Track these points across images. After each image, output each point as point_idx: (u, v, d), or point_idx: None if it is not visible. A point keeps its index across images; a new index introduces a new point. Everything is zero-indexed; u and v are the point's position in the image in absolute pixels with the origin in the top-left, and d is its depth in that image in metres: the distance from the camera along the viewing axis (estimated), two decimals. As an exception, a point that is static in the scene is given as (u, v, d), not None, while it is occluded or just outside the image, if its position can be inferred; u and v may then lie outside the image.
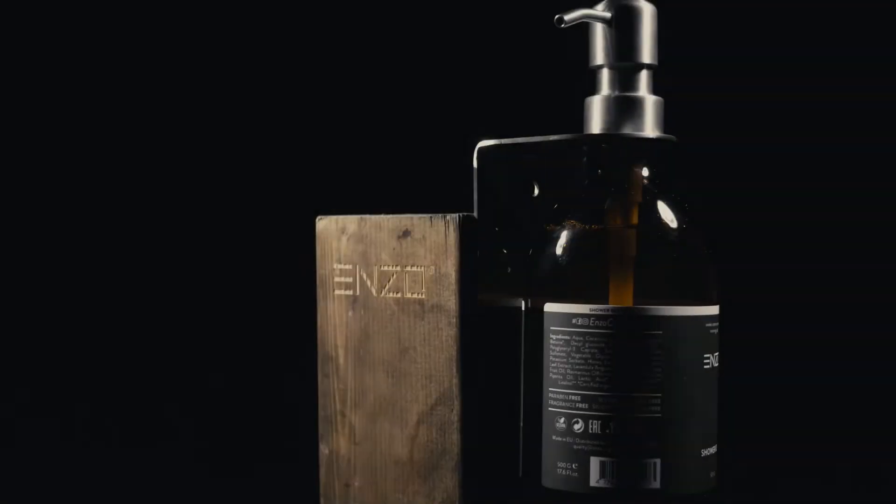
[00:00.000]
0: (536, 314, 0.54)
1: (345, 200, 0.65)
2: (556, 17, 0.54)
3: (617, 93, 0.54)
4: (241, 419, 0.80)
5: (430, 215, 0.58)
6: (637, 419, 0.52)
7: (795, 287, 0.67)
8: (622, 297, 0.52)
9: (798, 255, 0.67)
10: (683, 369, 0.52)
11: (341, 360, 0.62)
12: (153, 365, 0.81)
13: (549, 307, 0.53)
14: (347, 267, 0.61)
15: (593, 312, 0.52)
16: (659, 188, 0.54)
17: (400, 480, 0.59)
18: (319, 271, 0.63)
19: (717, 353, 0.54)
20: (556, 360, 0.53)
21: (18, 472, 0.76)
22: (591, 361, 0.52)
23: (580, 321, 0.52)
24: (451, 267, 0.57)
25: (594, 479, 0.53)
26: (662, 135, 0.55)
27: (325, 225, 0.62)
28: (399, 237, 0.59)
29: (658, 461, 0.52)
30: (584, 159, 0.55)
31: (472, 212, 0.56)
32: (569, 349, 0.53)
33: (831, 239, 0.67)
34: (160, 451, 0.79)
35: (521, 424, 0.55)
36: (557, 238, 0.54)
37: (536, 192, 0.59)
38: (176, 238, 0.81)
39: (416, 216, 0.58)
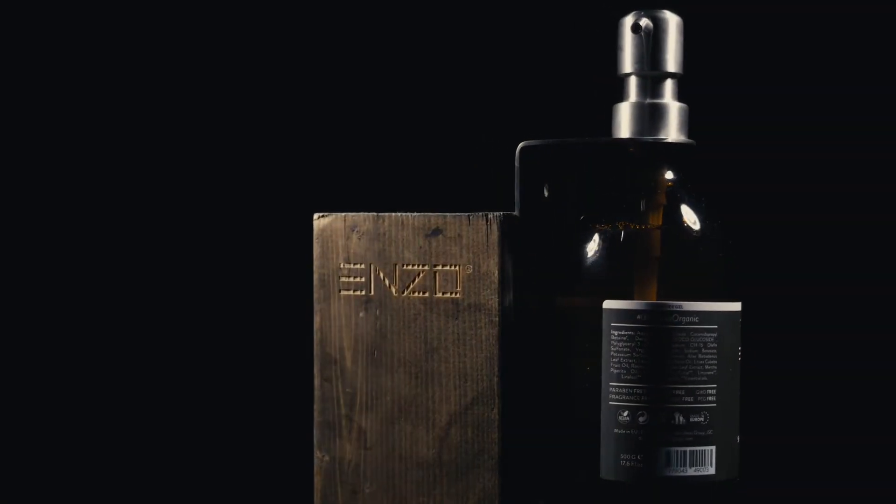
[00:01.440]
0: (592, 312, 0.55)
1: (328, 200, 0.63)
2: (637, 23, 0.55)
3: (650, 100, 0.57)
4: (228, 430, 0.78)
5: (467, 214, 0.57)
6: (698, 409, 0.55)
7: (806, 285, 0.72)
8: (668, 294, 0.55)
9: (813, 255, 0.72)
10: (730, 361, 0.56)
11: (348, 363, 0.59)
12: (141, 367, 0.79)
13: (609, 304, 0.55)
14: (358, 266, 0.59)
15: (657, 309, 0.54)
16: (692, 191, 0.57)
17: (424, 483, 0.58)
18: (320, 271, 0.60)
19: (740, 346, 0.58)
20: (619, 355, 0.55)
21: (17, 472, 0.76)
22: (655, 355, 0.54)
23: (644, 317, 0.54)
24: (492, 266, 0.57)
25: (660, 468, 0.55)
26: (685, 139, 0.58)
27: (329, 223, 0.59)
28: (427, 236, 0.58)
29: (714, 448, 0.55)
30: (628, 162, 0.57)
31: (501, 210, 0.57)
32: (633, 344, 0.55)
33: (847, 241, 0.72)
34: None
35: (567, 420, 0.56)
36: (612, 238, 0.56)
37: (546, 194, 0.60)
38: (166, 238, 0.78)
39: (448, 215, 0.58)
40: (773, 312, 0.66)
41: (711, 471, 0.55)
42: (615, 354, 0.55)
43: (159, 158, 0.78)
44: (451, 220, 0.58)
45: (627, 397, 0.55)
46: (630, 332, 0.55)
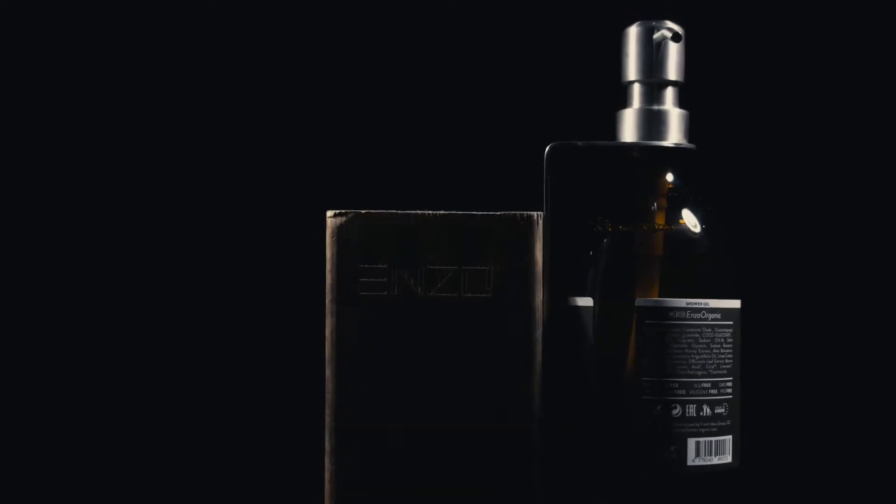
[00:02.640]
0: (625, 310, 0.57)
1: (325, 199, 0.61)
2: (675, 33, 0.58)
3: (652, 106, 0.60)
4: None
5: (501, 213, 0.57)
6: (721, 401, 0.58)
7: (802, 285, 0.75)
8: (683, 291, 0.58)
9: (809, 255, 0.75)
10: (738, 355, 0.59)
11: (372, 367, 0.57)
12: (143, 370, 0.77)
13: (642, 302, 0.56)
14: (380, 266, 0.57)
15: (689, 306, 0.57)
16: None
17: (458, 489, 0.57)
18: (335, 272, 0.57)
19: None
20: (653, 351, 0.56)
21: (17, 472, 0.76)
22: (686, 351, 0.57)
23: (677, 314, 0.57)
24: (528, 264, 0.57)
25: (691, 458, 0.57)
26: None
27: (346, 221, 0.57)
28: (457, 234, 0.57)
29: (731, 437, 0.58)
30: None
31: (527, 211, 0.58)
32: (667, 340, 0.56)
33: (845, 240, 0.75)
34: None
35: (597, 416, 0.57)
36: (618, 238, 0.58)
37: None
38: (173, 240, 0.77)
39: (478, 213, 0.57)
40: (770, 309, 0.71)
41: (729, 459, 0.59)
42: (649, 350, 0.57)
43: (169, 158, 0.77)
44: (481, 219, 0.58)
45: (661, 391, 0.57)
46: (663, 329, 0.57)
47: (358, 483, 0.57)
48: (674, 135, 0.60)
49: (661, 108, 0.60)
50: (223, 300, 0.76)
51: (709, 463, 0.58)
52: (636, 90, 0.61)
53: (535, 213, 0.58)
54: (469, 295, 0.58)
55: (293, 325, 0.72)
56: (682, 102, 0.62)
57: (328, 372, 0.58)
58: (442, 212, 0.58)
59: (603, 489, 0.58)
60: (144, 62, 0.77)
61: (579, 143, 0.59)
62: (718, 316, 0.58)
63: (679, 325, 0.57)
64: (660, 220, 0.60)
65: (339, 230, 0.58)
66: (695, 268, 0.59)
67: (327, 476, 0.58)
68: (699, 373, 0.58)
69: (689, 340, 0.57)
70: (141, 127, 0.77)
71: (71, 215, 0.77)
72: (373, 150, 0.74)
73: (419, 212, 0.58)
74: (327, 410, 0.58)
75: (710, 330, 0.58)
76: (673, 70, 0.61)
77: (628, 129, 0.61)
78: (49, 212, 0.77)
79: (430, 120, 0.75)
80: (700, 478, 0.57)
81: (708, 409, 0.58)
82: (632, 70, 0.61)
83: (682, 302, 0.57)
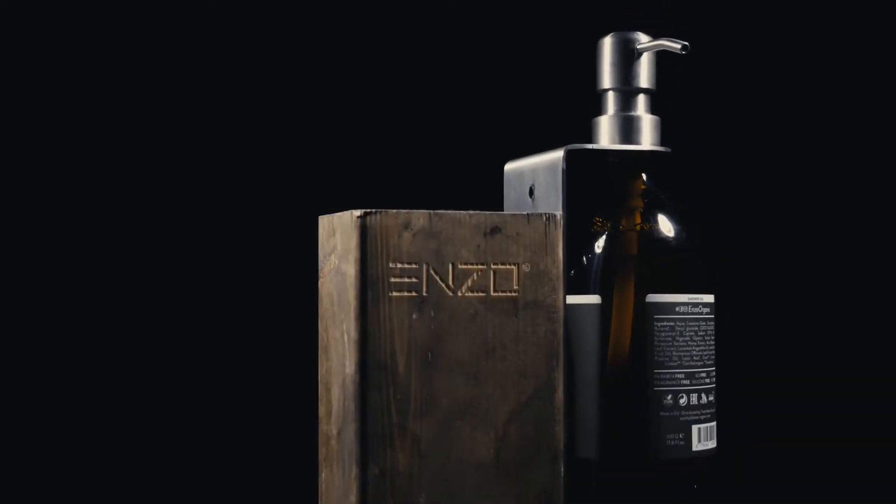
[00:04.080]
0: (637, 305, 0.58)
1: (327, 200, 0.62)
2: (683, 45, 0.60)
3: (629, 112, 0.62)
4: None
5: (525, 213, 0.57)
6: (711, 389, 0.61)
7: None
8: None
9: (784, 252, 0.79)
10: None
11: (401, 368, 0.54)
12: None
13: (652, 298, 0.58)
14: (412, 266, 0.54)
15: (691, 301, 0.59)
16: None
17: (484, 485, 0.56)
18: (370, 271, 0.54)
19: None
20: (662, 344, 0.58)
21: (16, 472, 0.77)
22: (689, 343, 0.60)
23: (682, 308, 0.59)
24: (551, 263, 0.57)
25: (695, 444, 0.59)
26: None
27: (379, 220, 0.54)
28: (486, 234, 0.56)
29: (716, 423, 0.61)
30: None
31: (546, 211, 0.59)
32: (674, 334, 0.59)
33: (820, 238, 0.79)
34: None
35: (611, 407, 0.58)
36: (599, 238, 0.60)
37: (533, 197, 0.61)
38: (166, 241, 0.79)
39: (506, 214, 0.57)
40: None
41: (714, 443, 0.62)
42: (658, 344, 0.59)
43: (162, 160, 0.79)
44: (509, 219, 0.57)
45: (670, 382, 0.60)
46: (671, 323, 0.60)
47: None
48: (647, 139, 0.64)
49: (635, 114, 0.64)
50: (216, 306, 0.78)
51: (706, 448, 0.62)
52: (610, 98, 0.64)
53: (557, 214, 0.59)
54: (497, 294, 0.58)
55: (286, 330, 0.74)
56: (656, 108, 0.65)
57: (349, 370, 0.56)
58: (469, 212, 0.58)
59: (621, 479, 0.60)
60: (139, 65, 0.78)
61: (591, 147, 0.61)
62: (708, 310, 0.62)
63: (683, 319, 0.61)
64: (637, 220, 0.63)
65: (373, 229, 0.56)
66: (676, 265, 0.63)
67: (358, 484, 0.56)
68: (699, 363, 0.61)
69: (691, 333, 0.61)
70: (141, 130, 0.78)
71: (64, 217, 0.78)
72: (345, 155, 0.77)
73: (448, 211, 0.57)
74: (356, 415, 0.56)
75: (705, 323, 0.62)
76: (645, 78, 0.64)
77: (605, 134, 0.63)
78: (48, 212, 0.78)
79: (398, 127, 0.78)
80: (703, 462, 0.61)
81: (705, 398, 0.62)
82: (606, 79, 0.64)
83: (685, 297, 0.61)
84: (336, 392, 0.59)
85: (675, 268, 0.63)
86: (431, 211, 0.58)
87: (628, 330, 0.61)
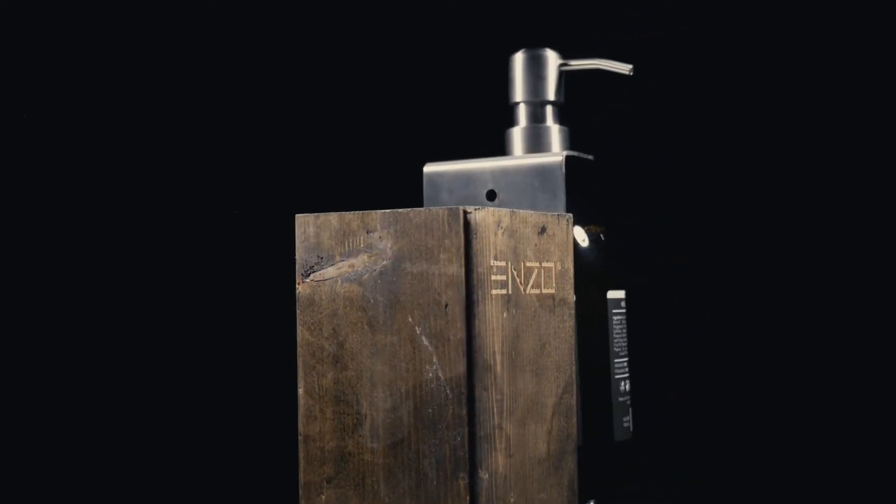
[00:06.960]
0: (600, 301, 0.60)
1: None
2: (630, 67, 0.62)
3: (546, 123, 0.64)
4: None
5: (557, 214, 0.55)
6: (630, 377, 0.64)
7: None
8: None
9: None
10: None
11: (498, 368, 0.51)
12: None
13: (612, 294, 0.60)
14: (502, 264, 0.51)
15: (623, 297, 0.62)
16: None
17: (541, 479, 0.54)
18: (477, 269, 0.48)
19: None
20: (618, 336, 0.61)
21: (15, 473, 0.76)
22: (625, 334, 0.62)
23: (624, 304, 0.62)
24: (569, 262, 0.57)
25: (633, 427, 0.62)
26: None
27: (483, 217, 0.49)
28: (539, 233, 0.54)
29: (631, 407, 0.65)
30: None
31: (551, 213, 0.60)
32: (622, 326, 0.61)
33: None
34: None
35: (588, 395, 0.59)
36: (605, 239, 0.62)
37: (496, 200, 0.61)
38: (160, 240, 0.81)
39: (549, 214, 0.56)
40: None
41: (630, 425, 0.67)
42: (615, 336, 0.62)
43: (153, 160, 0.80)
44: (551, 219, 0.56)
45: (623, 371, 0.63)
46: (621, 316, 0.63)
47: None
48: (556, 147, 0.67)
49: (545, 125, 0.66)
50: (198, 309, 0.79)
51: (631, 429, 0.66)
52: (522, 110, 0.65)
53: (570, 215, 0.59)
54: (545, 291, 0.57)
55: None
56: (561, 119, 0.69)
57: (445, 374, 0.51)
58: (530, 211, 0.56)
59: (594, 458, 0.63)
60: (130, 70, 0.78)
61: (582, 155, 0.62)
62: (625, 305, 0.67)
63: (628, 313, 0.65)
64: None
65: (479, 226, 0.52)
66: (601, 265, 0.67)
67: (464, 491, 0.52)
68: (634, 352, 0.66)
69: (632, 325, 0.66)
70: (130, 131, 0.78)
71: (48, 217, 0.76)
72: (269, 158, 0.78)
73: (521, 210, 0.55)
74: (460, 420, 0.51)
75: (625, 317, 0.67)
76: (552, 91, 0.67)
77: (517, 144, 0.65)
78: (40, 215, 0.77)
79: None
80: (629, 443, 0.66)
81: (630, 385, 0.67)
82: (518, 92, 0.65)
83: (622, 293, 0.65)
84: (382, 402, 0.54)
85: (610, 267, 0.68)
86: (512, 210, 0.56)
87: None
